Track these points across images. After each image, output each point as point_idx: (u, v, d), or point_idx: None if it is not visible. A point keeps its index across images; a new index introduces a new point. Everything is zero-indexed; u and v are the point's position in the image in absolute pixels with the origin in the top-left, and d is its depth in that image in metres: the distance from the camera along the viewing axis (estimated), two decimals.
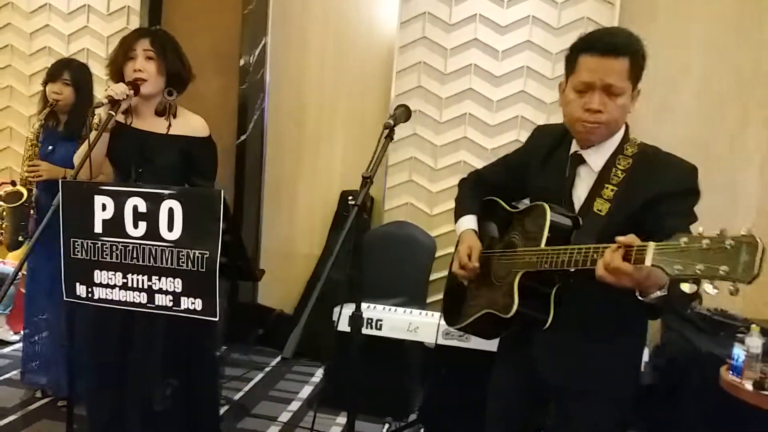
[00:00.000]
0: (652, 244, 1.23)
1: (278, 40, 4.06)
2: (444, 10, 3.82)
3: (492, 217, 1.86)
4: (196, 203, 1.71)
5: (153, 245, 1.74)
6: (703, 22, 3.55)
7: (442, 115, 3.88)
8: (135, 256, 1.75)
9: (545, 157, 1.70)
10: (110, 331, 2.20)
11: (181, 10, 4.04)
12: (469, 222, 1.84)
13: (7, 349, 3.70)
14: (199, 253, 1.70)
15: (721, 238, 1.14)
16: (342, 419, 3.12)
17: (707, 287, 1.16)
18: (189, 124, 2.28)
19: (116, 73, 2.20)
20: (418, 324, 2.89)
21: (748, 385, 2.36)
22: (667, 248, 1.20)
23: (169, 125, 2.24)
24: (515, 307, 1.54)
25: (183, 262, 1.72)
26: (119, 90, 2.08)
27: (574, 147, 1.63)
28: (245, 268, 2.00)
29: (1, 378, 3.22)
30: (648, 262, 1.22)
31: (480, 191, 1.90)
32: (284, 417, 3.12)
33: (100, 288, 1.80)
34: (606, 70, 1.48)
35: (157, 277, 1.75)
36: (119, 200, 1.75)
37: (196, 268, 1.71)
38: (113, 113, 2.07)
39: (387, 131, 1.76)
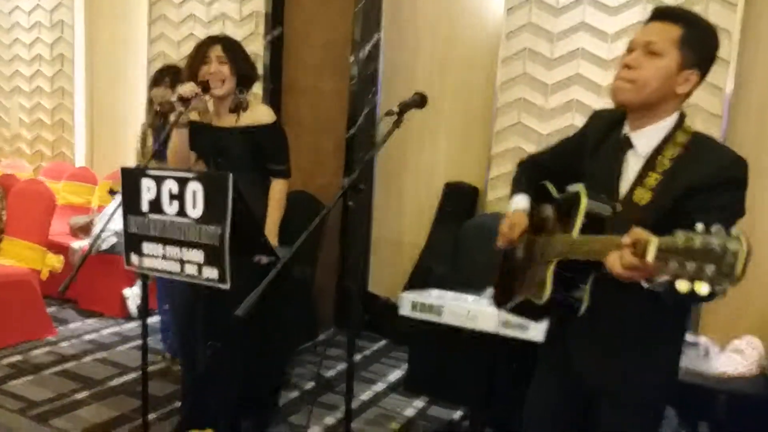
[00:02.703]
0: (654, 241, 1.17)
1: (390, 34, 4.26)
2: None
3: (544, 202, 1.82)
4: (212, 185, 1.99)
5: (182, 222, 2.05)
6: None
7: (548, 102, 3.81)
8: (170, 231, 2.08)
9: (598, 142, 1.67)
10: (179, 299, 2.60)
11: (300, 13, 4.42)
12: (519, 202, 1.81)
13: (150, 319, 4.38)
14: (214, 228, 1.98)
15: (710, 237, 1.10)
16: (419, 403, 3.27)
17: (698, 286, 1.11)
18: (255, 114, 2.58)
19: (191, 76, 2.55)
20: (476, 312, 2.92)
21: None
22: (668, 244, 1.15)
23: (237, 119, 2.56)
24: (547, 294, 1.53)
25: (203, 237, 2.01)
26: (188, 89, 2.44)
27: (626, 129, 1.59)
28: (260, 244, 2.23)
29: (133, 344, 3.84)
30: (650, 258, 1.17)
31: (535, 174, 1.88)
32: (365, 396, 3.34)
33: (147, 258, 2.16)
34: (651, 30, 1.50)
35: (186, 249, 2.06)
36: (158, 183, 2.09)
37: (212, 242, 1.99)
38: (184, 110, 2.44)
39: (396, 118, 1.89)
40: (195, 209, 2.02)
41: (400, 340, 3.89)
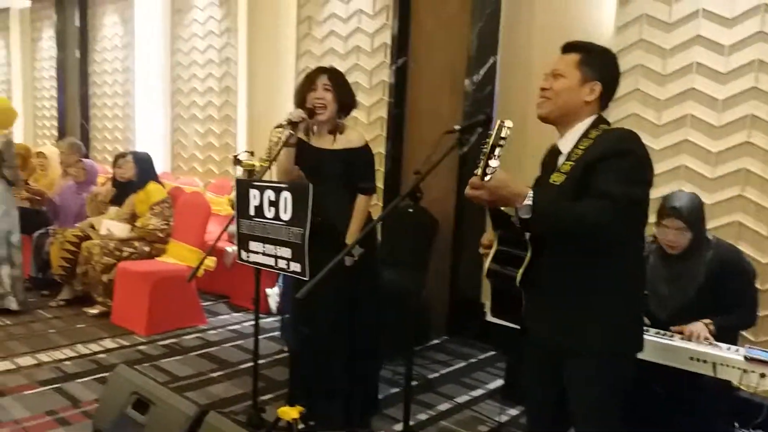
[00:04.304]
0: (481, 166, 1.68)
1: (506, 57, 4.50)
2: (662, 9, 3.78)
3: None
4: (297, 194, 2.44)
5: (276, 224, 2.52)
6: None
7: (661, 118, 3.84)
8: (268, 231, 2.56)
9: (546, 164, 2.07)
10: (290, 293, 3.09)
11: (422, 42, 4.83)
12: None
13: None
14: (298, 229, 2.42)
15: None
16: (513, 411, 3.45)
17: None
18: (349, 138, 3.02)
19: (300, 100, 3.05)
20: None
21: None
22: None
23: (334, 141, 3.02)
24: (486, 266, 1.99)
25: (291, 236, 2.46)
26: (297, 114, 2.93)
27: (557, 140, 1.99)
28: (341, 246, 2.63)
29: (268, 335, 4.44)
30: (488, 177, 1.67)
31: None
32: (461, 399, 3.59)
33: (253, 253, 2.66)
34: (557, 61, 1.98)
35: (279, 247, 2.53)
36: (261, 192, 2.58)
37: (296, 241, 2.43)
38: (293, 132, 2.94)
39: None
40: (286, 213, 2.49)
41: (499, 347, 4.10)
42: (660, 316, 2.72)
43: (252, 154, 4.87)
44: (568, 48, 1.97)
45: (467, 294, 4.64)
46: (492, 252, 1.98)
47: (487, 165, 1.66)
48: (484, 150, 1.68)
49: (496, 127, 1.68)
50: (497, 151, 1.67)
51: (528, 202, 1.69)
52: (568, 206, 1.75)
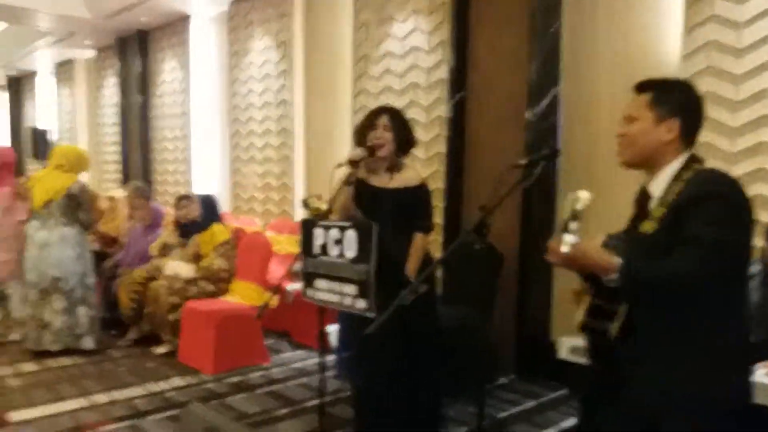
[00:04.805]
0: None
1: (569, 87, 4.52)
2: (731, 35, 3.74)
3: None
4: (362, 232, 2.51)
5: (341, 262, 2.59)
6: None
7: (735, 145, 3.77)
8: (333, 269, 2.63)
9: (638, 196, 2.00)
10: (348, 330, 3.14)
11: (480, 75, 4.90)
12: None
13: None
14: (363, 266, 2.48)
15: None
16: None
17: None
18: (405, 177, 3.09)
19: (360, 138, 3.15)
20: None
21: None
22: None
23: (391, 179, 3.09)
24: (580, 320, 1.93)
25: (356, 274, 2.52)
26: (357, 153, 3.02)
27: (645, 182, 1.92)
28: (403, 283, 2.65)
29: (331, 373, 4.48)
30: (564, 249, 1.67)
31: None
32: None
33: (318, 291, 2.73)
34: (628, 105, 1.93)
35: (344, 284, 2.59)
36: (326, 230, 2.66)
37: (362, 278, 2.49)
38: (353, 171, 3.03)
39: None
40: (350, 251, 2.56)
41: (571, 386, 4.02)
42: None
43: (319, 197, 4.99)
44: (640, 88, 1.91)
45: (535, 331, 4.58)
46: (585, 305, 1.94)
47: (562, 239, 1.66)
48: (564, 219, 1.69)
49: (570, 200, 1.68)
50: (574, 225, 1.66)
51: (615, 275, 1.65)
52: (657, 268, 1.68)
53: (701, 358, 1.74)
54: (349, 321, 3.10)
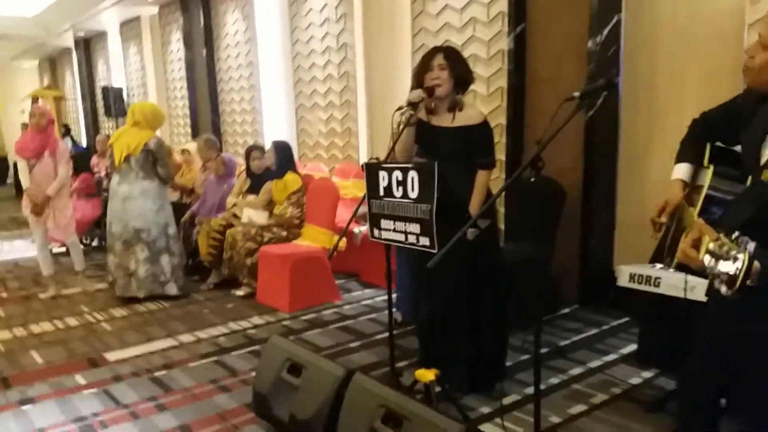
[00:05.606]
0: (707, 240, 1.45)
1: (631, 13, 4.47)
2: None
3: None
4: (424, 173, 2.67)
5: (405, 202, 2.77)
6: None
7: None
8: (397, 209, 2.82)
9: (750, 114, 1.86)
10: (411, 267, 3.35)
11: (540, 7, 4.88)
12: (679, 171, 2.06)
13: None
14: (426, 206, 2.66)
15: (730, 247, 1.40)
16: (647, 374, 3.53)
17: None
18: (467, 115, 3.22)
19: (418, 81, 3.27)
20: (695, 282, 3.07)
21: None
22: (714, 248, 1.43)
23: (453, 118, 3.22)
24: (676, 261, 1.84)
25: (419, 213, 2.70)
26: (416, 95, 3.16)
27: None
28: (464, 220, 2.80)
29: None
30: (701, 256, 1.46)
31: (704, 136, 2.06)
32: (593, 364, 3.71)
33: (384, 231, 2.93)
34: (762, 23, 1.75)
35: (408, 223, 2.78)
36: (389, 173, 2.84)
37: (424, 217, 2.67)
38: (414, 112, 3.18)
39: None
40: (413, 192, 2.73)
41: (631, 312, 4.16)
42: None
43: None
44: None
45: (598, 263, 4.70)
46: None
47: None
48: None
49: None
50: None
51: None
52: None
53: None
54: (415, 259, 3.31)
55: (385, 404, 2.38)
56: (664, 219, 2.01)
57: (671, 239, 2.11)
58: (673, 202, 2.01)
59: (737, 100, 1.98)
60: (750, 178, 1.75)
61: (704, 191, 1.79)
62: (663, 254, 2.14)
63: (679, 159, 2.11)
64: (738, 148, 1.95)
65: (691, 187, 2.07)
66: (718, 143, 2.03)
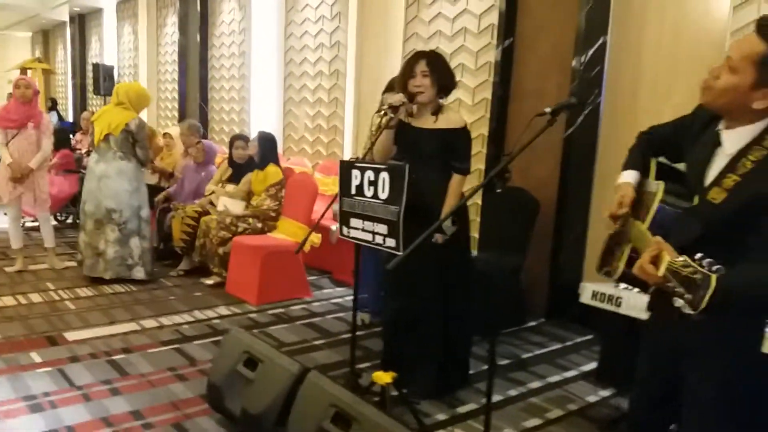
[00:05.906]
0: (666, 257, 1.44)
1: (617, 37, 4.50)
2: None
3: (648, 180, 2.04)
4: (395, 174, 2.67)
5: (375, 202, 2.77)
6: None
7: None
8: (367, 209, 2.82)
9: (699, 132, 1.83)
10: (378, 268, 3.35)
11: (529, 22, 4.91)
12: (629, 176, 2.01)
13: None
14: (394, 207, 2.66)
15: (695, 269, 1.40)
16: (605, 393, 3.55)
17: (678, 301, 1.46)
18: (450, 118, 3.23)
19: (402, 86, 3.28)
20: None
21: None
22: (674, 266, 1.42)
23: (435, 120, 3.23)
24: (618, 273, 1.88)
25: (387, 214, 2.70)
26: (397, 98, 3.16)
27: (720, 126, 1.73)
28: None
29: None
30: (660, 272, 1.45)
31: (651, 147, 2.04)
32: (552, 378, 3.73)
33: (353, 229, 2.93)
34: (736, 44, 1.65)
35: (376, 224, 2.78)
36: (362, 172, 2.84)
37: (392, 218, 2.67)
38: (393, 115, 3.18)
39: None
40: (383, 192, 2.73)
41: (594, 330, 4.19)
42: None
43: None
44: (761, 30, 1.57)
45: (567, 277, 4.71)
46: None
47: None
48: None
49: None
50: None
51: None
52: (753, 284, 1.49)
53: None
54: (383, 260, 3.31)
55: (337, 404, 2.37)
56: (624, 210, 1.97)
57: (606, 244, 2.09)
58: (629, 196, 1.95)
59: (687, 117, 1.97)
60: (696, 197, 1.75)
61: (654, 206, 1.78)
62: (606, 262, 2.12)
63: (627, 166, 2.07)
64: (682, 166, 1.95)
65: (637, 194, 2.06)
66: (662, 159, 2.03)
